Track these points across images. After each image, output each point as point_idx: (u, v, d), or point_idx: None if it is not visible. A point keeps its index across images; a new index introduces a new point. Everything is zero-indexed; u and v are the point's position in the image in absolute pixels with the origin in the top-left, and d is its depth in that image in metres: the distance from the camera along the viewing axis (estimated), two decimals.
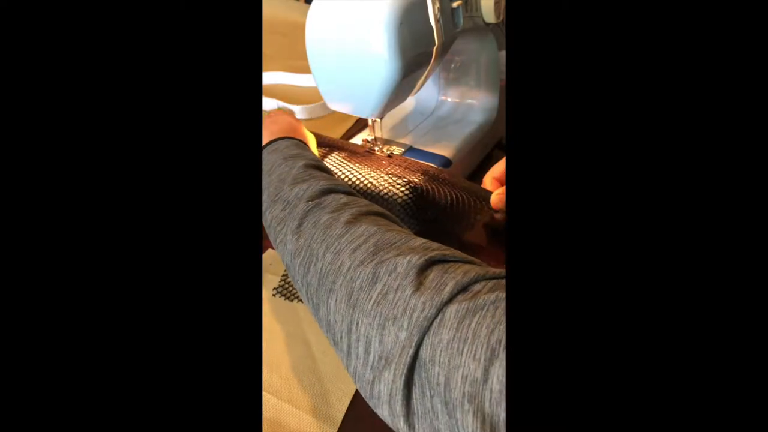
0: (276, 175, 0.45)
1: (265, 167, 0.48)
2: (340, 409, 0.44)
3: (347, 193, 0.42)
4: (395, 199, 0.55)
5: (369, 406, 0.44)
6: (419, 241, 0.34)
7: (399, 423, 0.27)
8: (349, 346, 0.31)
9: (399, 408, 0.27)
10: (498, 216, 0.54)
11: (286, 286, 0.56)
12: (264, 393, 0.45)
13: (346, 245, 0.34)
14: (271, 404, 0.44)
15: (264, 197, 0.45)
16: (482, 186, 0.56)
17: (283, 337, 0.50)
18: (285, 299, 0.55)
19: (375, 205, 0.40)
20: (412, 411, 0.26)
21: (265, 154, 0.50)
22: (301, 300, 0.55)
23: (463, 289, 0.28)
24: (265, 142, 0.52)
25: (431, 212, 0.55)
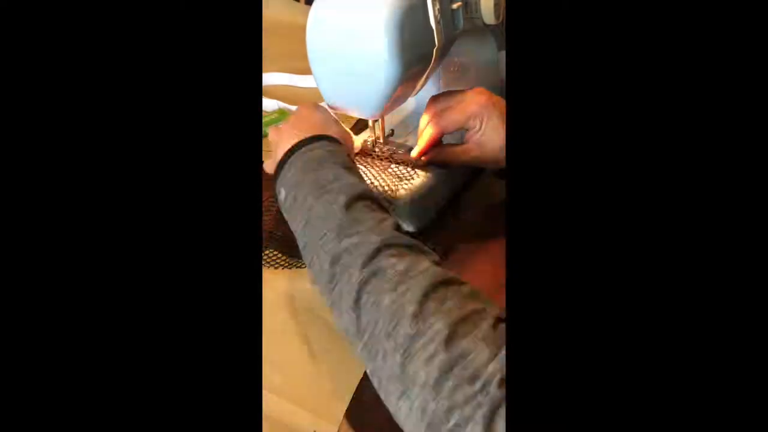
0: (315, 214, 0.41)
1: (298, 192, 0.44)
2: (340, 406, 0.44)
3: (400, 246, 0.38)
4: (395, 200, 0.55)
5: (369, 405, 0.44)
6: (490, 353, 0.30)
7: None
8: None
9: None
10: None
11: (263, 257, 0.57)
12: (264, 391, 0.45)
13: (420, 350, 0.32)
14: (271, 402, 0.44)
15: (299, 227, 0.43)
16: (419, 134, 0.58)
17: (283, 335, 0.50)
18: (268, 267, 0.55)
19: (436, 267, 0.37)
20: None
21: (287, 168, 0.46)
22: (276, 267, 0.55)
23: None
24: (291, 144, 0.47)
25: (438, 248, 0.54)
